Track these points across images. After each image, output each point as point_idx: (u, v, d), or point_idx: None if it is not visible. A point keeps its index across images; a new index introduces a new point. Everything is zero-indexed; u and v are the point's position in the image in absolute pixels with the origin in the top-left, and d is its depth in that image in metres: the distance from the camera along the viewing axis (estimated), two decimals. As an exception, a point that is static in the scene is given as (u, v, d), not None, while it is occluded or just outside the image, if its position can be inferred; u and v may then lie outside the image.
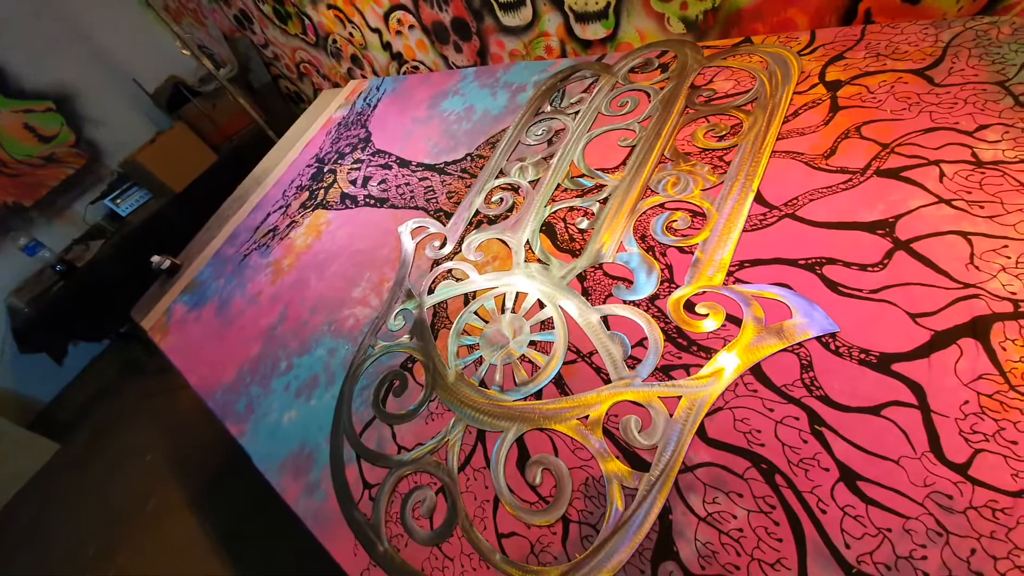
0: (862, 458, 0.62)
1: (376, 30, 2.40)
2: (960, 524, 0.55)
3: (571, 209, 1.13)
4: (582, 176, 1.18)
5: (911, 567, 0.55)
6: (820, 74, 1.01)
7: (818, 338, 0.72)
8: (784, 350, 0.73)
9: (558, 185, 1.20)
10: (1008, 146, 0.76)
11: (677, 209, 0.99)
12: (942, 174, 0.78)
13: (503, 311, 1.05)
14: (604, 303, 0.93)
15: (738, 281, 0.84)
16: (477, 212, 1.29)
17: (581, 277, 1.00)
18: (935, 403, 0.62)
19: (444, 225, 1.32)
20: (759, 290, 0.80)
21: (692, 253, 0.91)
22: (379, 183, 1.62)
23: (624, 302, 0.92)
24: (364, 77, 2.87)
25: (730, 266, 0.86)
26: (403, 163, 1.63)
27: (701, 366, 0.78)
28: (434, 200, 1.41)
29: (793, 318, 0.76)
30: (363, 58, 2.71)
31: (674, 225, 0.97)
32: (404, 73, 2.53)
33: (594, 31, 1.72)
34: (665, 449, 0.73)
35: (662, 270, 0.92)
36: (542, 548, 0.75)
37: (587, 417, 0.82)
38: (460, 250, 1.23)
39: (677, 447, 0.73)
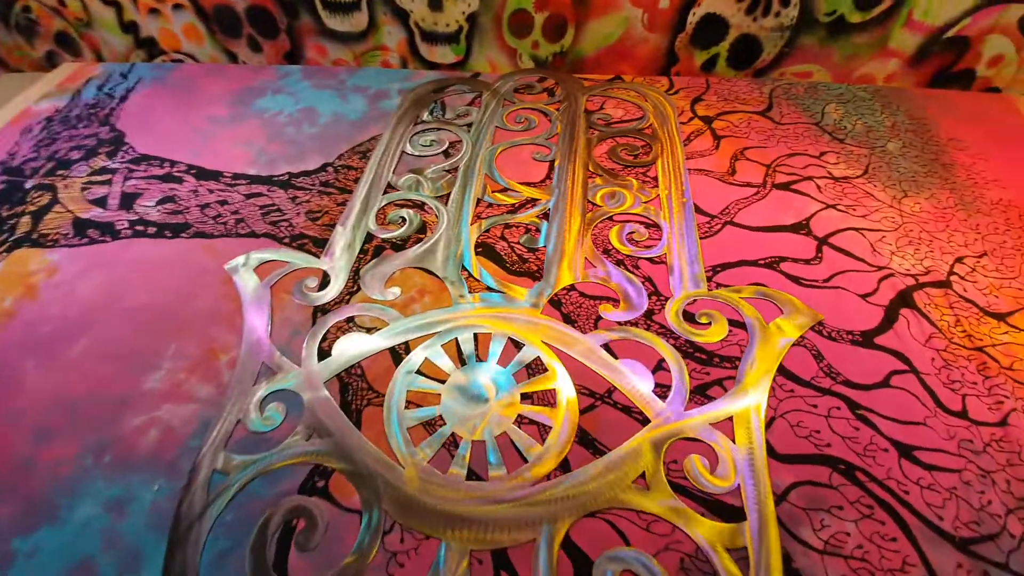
0: (902, 429, 0.65)
1: (113, 2, 1.63)
2: (988, 462, 0.63)
3: (507, 226, 0.94)
4: (503, 190, 1.01)
5: (988, 516, 0.59)
6: (692, 110, 1.17)
7: (812, 328, 0.76)
8: (794, 344, 0.74)
9: (479, 200, 0.99)
10: (845, 165, 1.01)
11: (625, 221, 0.93)
12: (818, 187, 0.97)
13: (463, 362, 0.75)
14: (597, 328, 0.77)
15: (720, 285, 0.82)
16: (370, 236, 0.93)
17: (555, 302, 0.81)
18: (918, 364, 0.71)
19: (317, 256, 0.90)
20: (743, 291, 0.81)
21: (663, 263, 0.86)
22: (159, 202, 1.02)
23: (620, 324, 0.78)
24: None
25: (707, 272, 0.84)
26: (206, 174, 1.08)
27: (733, 377, 0.71)
28: (285, 223, 0.96)
29: (784, 314, 0.78)
30: (80, 39, 1.80)
31: (635, 237, 0.90)
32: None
33: (443, 54, 1.61)
34: (746, 483, 0.61)
35: (643, 283, 0.83)
36: None
37: (643, 475, 0.62)
38: (358, 288, 0.85)
39: (758, 477, 0.62)
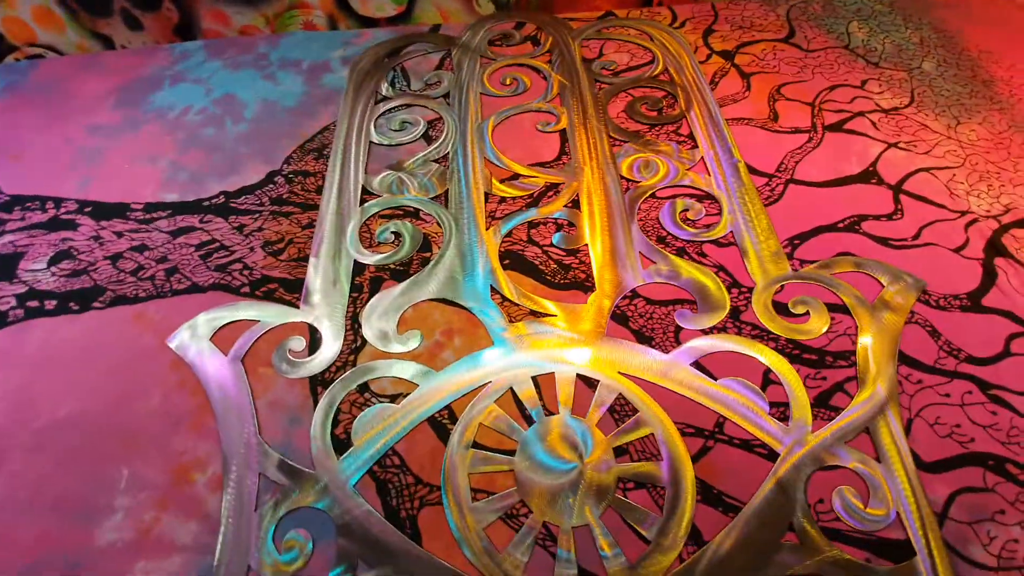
0: (1045, 406, 0.57)
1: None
2: None
3: (531, 225, 0.75)
4: (513, 178, 0.81)
5: None
6: (707, 45, 0.99)
7: (919, 299, 0.65)
8: (907, 323, 0.63)
9: (487, 196, 0.78)
10: (891, 94, 0.88)
11: (670, 196, 0.77)
12: (872, 123, 0.84)
13: (528, 420, 0.58)
14: (679, 343, 0.63)
15: (804, 262, 0.69)
16: (359, 266, 0.71)
17: (619, 317, 0.65)
18: (1036, 323, 0.63)
19: (295, 305, 0.68)
20: (832, 266, 0.68)
21: (732, 244, 0.71)
22: (51, 261, 0.74)
23: (705, 331, 0.64)
24: None
25: (784, 247, 0.71)
26: (105, 211, 0.79)
27: (854, 378, 0.59)
28: (238, 265, 0.72)
29: (886, 285, 0.66)
30: None
31: (688, 216, 0.75)
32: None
33: (379, 6, 1.30)
34: (904, 508, 0.51)
35: (716, 274, 0.68)
36: None
37: (791, 526, 0.51)
38: (363, 341, 0.64)
39: (916, 497, 0.52)
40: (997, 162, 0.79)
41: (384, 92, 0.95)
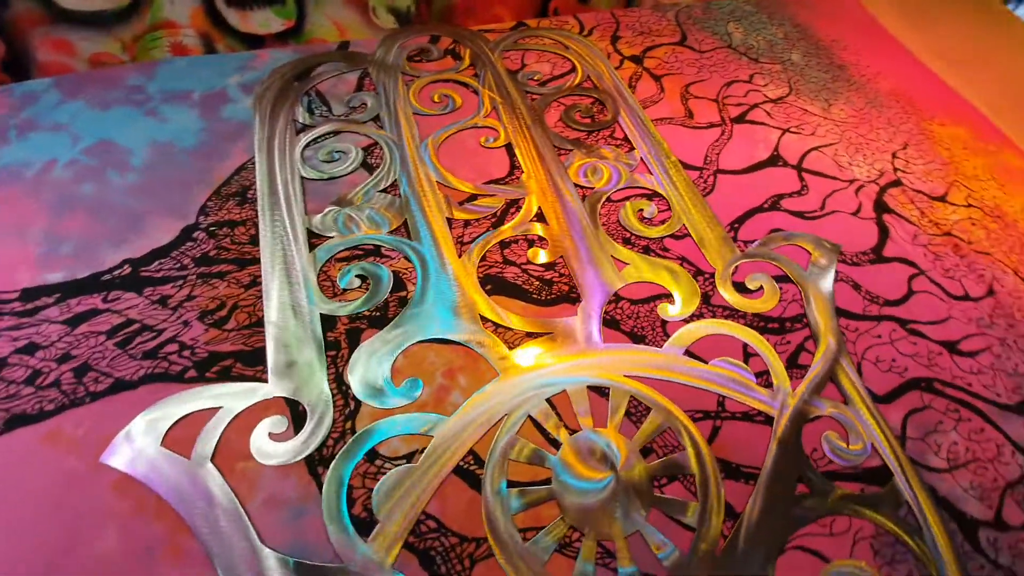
0: (939, 329, 0.72)
1: None
2: (1000, 331, 0.72)
3: (504, 246, 0.74)
4: (471, 199, 0.79)
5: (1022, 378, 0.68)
6: (617, 51, 1.06)
7: (839, 260, 0.77)
8: (836, 281, 0.74)
9: (450, 222, 0.75)
10: (774, 86, 1.02)
11: (628, 194, 0.82)
12: (767, 113, 0.97)
13: (554, 444, 0.57)
14: (668, 335, 0.67)
15: (747, 243, 0.78)
16: (328, 319, 0.64)
17: (611, 322, 0.67)
18: (921, 264, 0.78)
19: (260, 379, 0.58)
20: (769, 243, 0.78)
21: (687, 236, 0.78)
22: None
23: (686, 320, 0.68)
24: None
25: (728, 232, 0.79)
26: (-42, 310, 0.61)
27: (809, 336, 0.68)
28: (173, 347, 0.60)
29: (812, 252, 0.77)
30: None
31: (645, 215, 0.79)
32: None
33: (264, 22, 1.17)
34: (875, 439, 0.61)
35: (681, 265, 0.74)
36: None
37: (800, 479, 0.57)
38: (357, 404, 0.58)
39: (880, 427, 0.61)
40: (864, 134, 0.96)
41: (302, 120, 0.86)
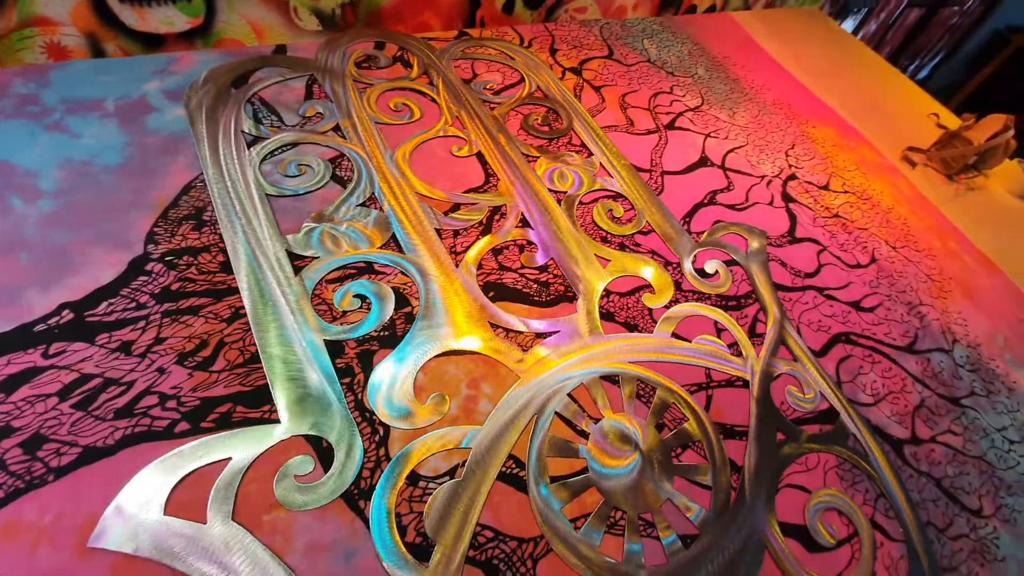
0: (847, 293, 0.90)
1: None
2: (885, 288, 0.93)
3: (497, 253, 0.75)
4: (454, 209, 0.78)
5: (906, 323, 0.89)
6: (557, 62, 1.12)
7: (768, 243, 0.92)
8: (769, 261, 0.89)
9: (439, 232, 0.74)
10: (690, 97, 1.17)
11: (593, 201, 0.88)
12: (690, 120, 1.11)
13: (583, 434, 0.61)
14: (657, 323, 0.74)
15: (699, 234, 0.89)
16: (334, 345, 0.59)
17: (607, 315, 0.73)
18: (823, 241, 0.96)
19: (272, 419, 0.53)
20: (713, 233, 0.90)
21: (652, 231, 0.87)
22: None
23: (666, 306, 0.77)
24: None
25: (683, 226, 0.89)
26: None
27: (763, 309, 0.81)
28: (151, 400, 0.51)
29: (748, 238, 0.91)
30: None
31: (616, 214, 0.86)
32: None
33: (166, 19, 1.03)
34: (820, 387, 0.75)
35: (653, 258, 0.82)
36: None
37: (777, 428, 0.68)
38: (385, 429, 0.55)
39: (823, 376, 0.76)
40: (763, 137, 1.15)
41: (250, 131, 0.78)
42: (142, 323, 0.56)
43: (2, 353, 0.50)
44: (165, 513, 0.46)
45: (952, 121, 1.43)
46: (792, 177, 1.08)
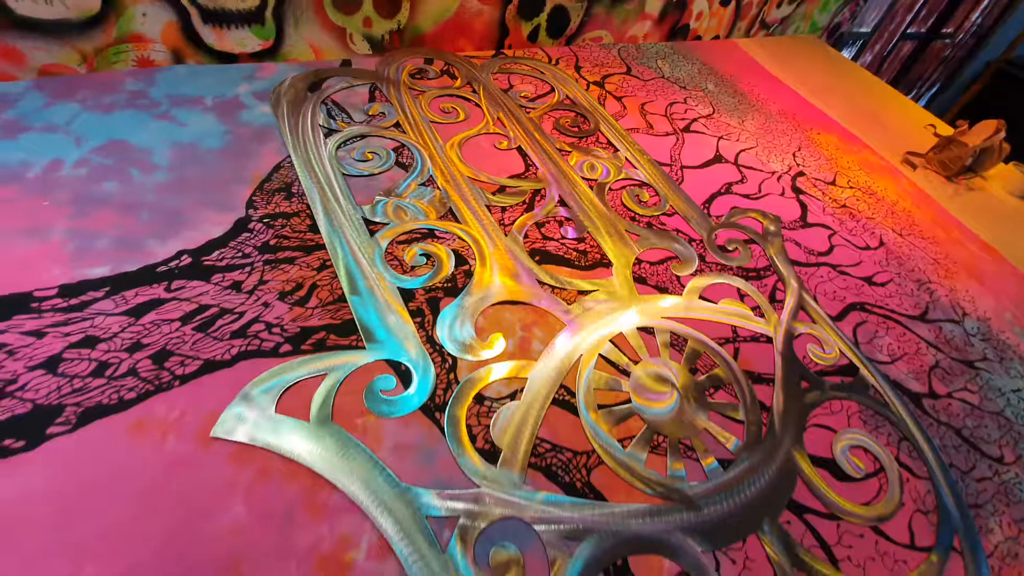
0: (860, 269, 0.97)
1: None
2: (894, 267, 1.00)
3: (539, 225, 0.84)
4: (500, 190, 0.89)
5: (916, 296, 0.95)
6: (583, 77, 1.26)
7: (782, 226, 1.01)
8: (784, 241, 0.97)
9: (489, 207, 0.84)
10: (702, 107, 1.30)
11: (621, 188, 0.98)
12: (704, 125, 1.23)
13: (624, 373, 0.68)
14: (683, 287, 0.82)
15: (718, 217, 0.98)
16: (406, 292, 0.68)
17: (640, 279, 0.81)
18: (834, 226, 1.05)
19: (358, 347, 0.61)
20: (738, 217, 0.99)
21: (675, 213, 0.96)
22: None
23: (692, 275, 0.85)
24: None
25: (704, 209, 0.98)
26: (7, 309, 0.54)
27: (778, 279, 0.89)
28: (258, 327, 0.60)
29: (763, 221, 1.00)
30: None
31: (642, 198, 0.96)
32: None
33: (240, 40, 1.19)
34: (839, 346, 0.81)
35: (677, 235, 0.91)
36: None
37: (801, 377, 0.74)
38: (453, 360, 0.63)
39: (839, 337, 0.82)
40: (771, 141, 1.26)
41: (325, 125, 0.90)
42: (248, 268, 0.65)
43: (131, 287, 0.60)
44: (274, 414, 0.53)
45: (948, 132, 1.54)
46: (800, 174, 1.18)
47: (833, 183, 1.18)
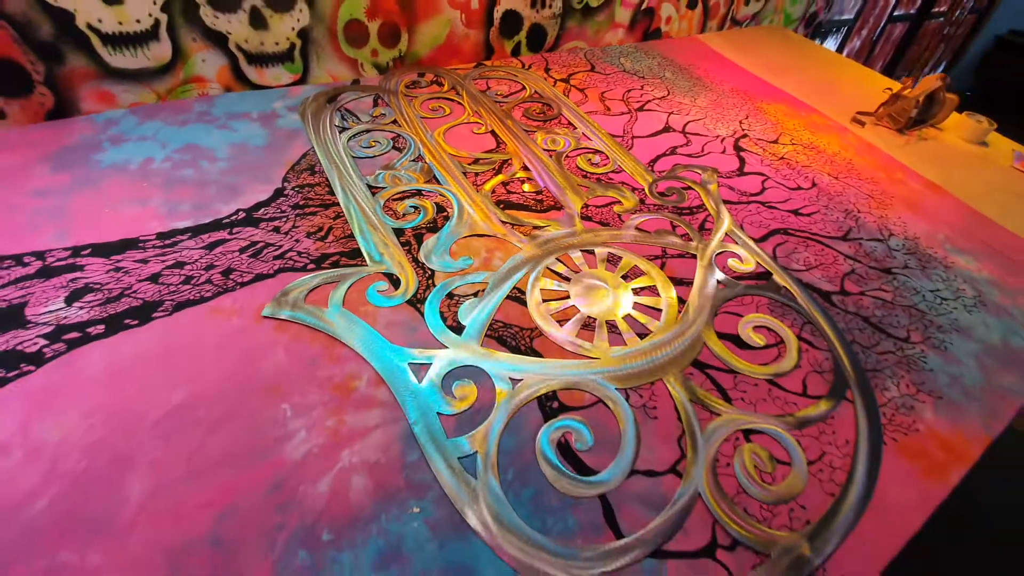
0: (790, 204, 1.12)
1: None
2: (826, 202, 1.14)
3: (505, 184, 1.06)
4: (475, 162, 1.11)
5: (849, 222, 1.09)
6: (550, 76, 1.49)
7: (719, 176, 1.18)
8: (720, 187, 1.14)
9: (465, 173, 1.07)
10: (658, 91, 1.50)
11: (578, 153, 1.19)
12: (657, 105, 1.43)
13: (565, 279, 0.87)
14: (622, 221, 1.01)
15: (660, 172, 1.17)
16: (398, 231, 0.90)
17: (586, 217, 1.00)
18: (770, 174, 1.21)
19: (364, 264, 0.83)
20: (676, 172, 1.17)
21: (623, 171, 1.15)
22: (69, 299, 0.72)
23: (632, 213, 1.03)
24: None
25: (647, 170, 1.17)
26: (111, 248, 0.80)
27: (708, 215, 1.06)
28: (293, 253, 0.83)
29: (702, 173, 1.17)
30: None
31: (593, 160, 1.16)
32: None
33: (276, 76, 1.49)
34: (759, 260, 0.96)
35: (623, 185, 1.10)
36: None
37: (722, 281, 0.90)
38: (431, 272, 0.84)
39: (762, 254, 0.98)
40: (721, 112, 1.44)
41: (339, 125, 1.16)
42: (284, 219, 0.89)
43: (206, 232, 0.85)
44: (304, 303, 0.75)
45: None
46: (744, 136, 1.35)
47: (776, 142, 1.34)
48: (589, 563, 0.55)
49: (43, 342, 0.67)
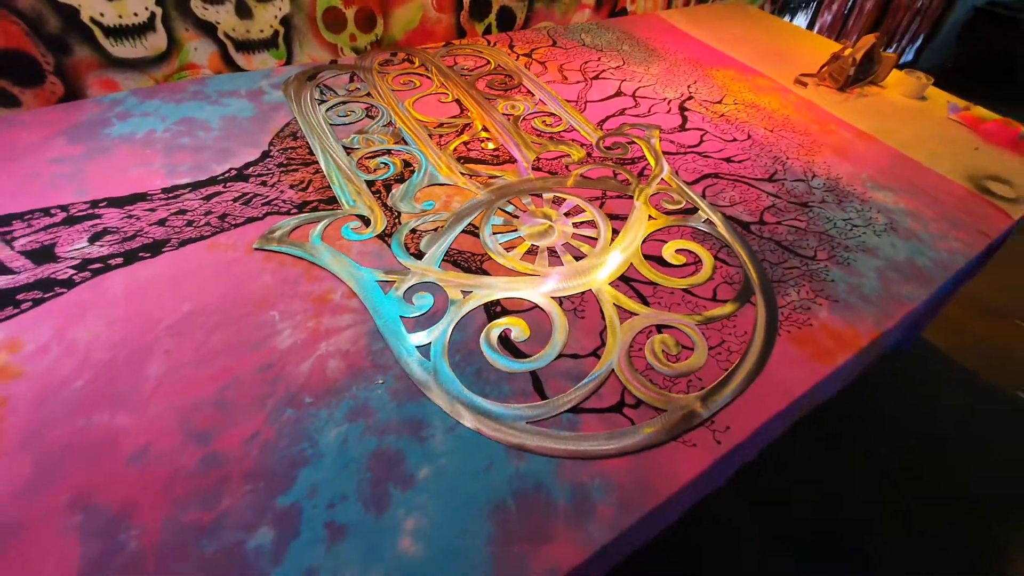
0: (721, 154, 1.25)
1: None
2: (741, 150, 1.27)
3: (466, 144, 1.19)
4: (440, 125, 1.25)
5: (780, 166, 1.22)
6: (514, 51, 1.62)
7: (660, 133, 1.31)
8: (631, 143, 1.27)
9: (430, 135, 1.20)
10: (614, 62, 1.63)
11: (534, 116, 1.32)
12: (612, 74, 1.55)
13: (514, 216, 1.00)
14: (569, 171, 1.14)
15: (608, 130, 1.30)
16: (370, 183, 1.04)
17: (537, 168, 1.14)
18: (709, 129, 1.33)
19: (339, 208, 0.97)
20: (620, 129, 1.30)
21: (573, 129, 1.28)
22: (92, 239, 0.86)
23: (580, 164, 1.16)
24: None
25: (597, 126, 1.30)
26: (124, 201, 0.94)
27: (646, 164, 1.19)
28: (278, 201, 0.97)
29: (645, 129, 1.30)
30: None
31: (547, 122, 1.30)
32: None
33: (263, 61, 1.63)
34: (688, 199, 1.10)
35: (572, 142, 1.23)
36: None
37: (651, 217, 1.04)
38: (398, 214, 0.98)
39: (692, 194, 1.11)
40: (671, 79, 1.57)
41: (318, 99, 1.30)
42: (270, 175, 1.03)
43: (203, 187, 0.99)
44: (288, 239, 0.89)
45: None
46: (689, 98, 1.47)
47: (719, 103, 1.47)
48: (519, 414, 0.69)
49: (72, 272, 0.81)
